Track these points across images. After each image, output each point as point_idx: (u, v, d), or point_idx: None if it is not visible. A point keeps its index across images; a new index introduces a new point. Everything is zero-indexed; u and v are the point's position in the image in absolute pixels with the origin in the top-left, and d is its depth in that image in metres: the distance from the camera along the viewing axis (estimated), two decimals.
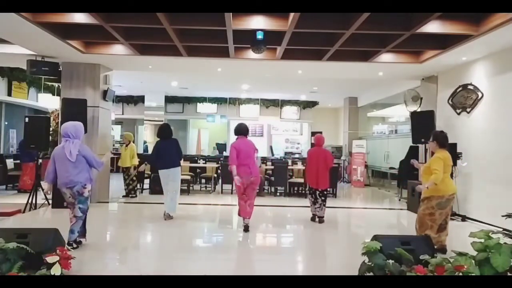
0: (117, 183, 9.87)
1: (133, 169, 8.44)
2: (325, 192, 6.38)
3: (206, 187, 10.66)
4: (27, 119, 7.00)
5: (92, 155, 4.48)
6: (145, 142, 15.91)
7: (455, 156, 6.89)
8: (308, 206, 6.60)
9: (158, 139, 6.44)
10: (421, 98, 8.42)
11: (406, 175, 8.53)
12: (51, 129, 8.42)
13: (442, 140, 4.52)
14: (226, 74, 9.54)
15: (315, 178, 6.31)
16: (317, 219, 6.36)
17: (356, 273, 3.43)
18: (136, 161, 8.48)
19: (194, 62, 7.62)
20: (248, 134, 5.74)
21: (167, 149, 6.24)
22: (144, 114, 14.78)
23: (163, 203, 6.42)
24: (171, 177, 6.23)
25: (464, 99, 7.09)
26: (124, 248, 4.93)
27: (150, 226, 6.07)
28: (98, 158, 4.57)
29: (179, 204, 6.52)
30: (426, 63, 7.03)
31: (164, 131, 6.43)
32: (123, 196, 8.53)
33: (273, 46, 6.38)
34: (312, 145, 7.86)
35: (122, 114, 15.15)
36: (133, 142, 8.71)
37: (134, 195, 8.52)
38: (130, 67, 8.47)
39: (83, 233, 4.60)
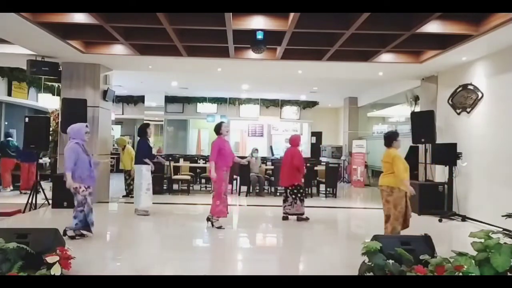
0: (117, 183, 9.87)
1: (133, 170, 8.43)
2: (295, 190, 6.42)
3: (206, 187, 10.65)
4: (27, 119, 7.00)
5: (66, 157, 4.64)
6: None
7: (455, 156, 6.92)
8: (306, 206, 6.66)
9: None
10: (417, 98, 8.43)
11: None
12: (51, 129, 8.41)
13: (384, 140, 4.95)
14: (226, 74, 9.53)
15: (280, 175, 6.56)
16: (290, 218, 6.47)
17: (356, 273, 3.43)
18: None
19: (194, 62, 7.62)
20: (220, 133, 5.76)
21: (137, 147, 6.70)
22: (144, 114, 14.74)
23: (161, 203, 6.51)
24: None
25: (464, 99, 7.09)
26: (124, 248, 4.91)
27: (149, 225, 6.07)
28: (69, 163, 4.60)
29: (179, 204, 6.54)
30: (426, 63, 7.03)
31: (138, 130, 6.85)
32: (123, 196, 8.54)
33: (273, 46, 6.38)
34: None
35: (122, 114, 15.14)
36: (130, 144, 8.73)
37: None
38: (130, 67, 8.47)
39: (83, 226, 4.81)
